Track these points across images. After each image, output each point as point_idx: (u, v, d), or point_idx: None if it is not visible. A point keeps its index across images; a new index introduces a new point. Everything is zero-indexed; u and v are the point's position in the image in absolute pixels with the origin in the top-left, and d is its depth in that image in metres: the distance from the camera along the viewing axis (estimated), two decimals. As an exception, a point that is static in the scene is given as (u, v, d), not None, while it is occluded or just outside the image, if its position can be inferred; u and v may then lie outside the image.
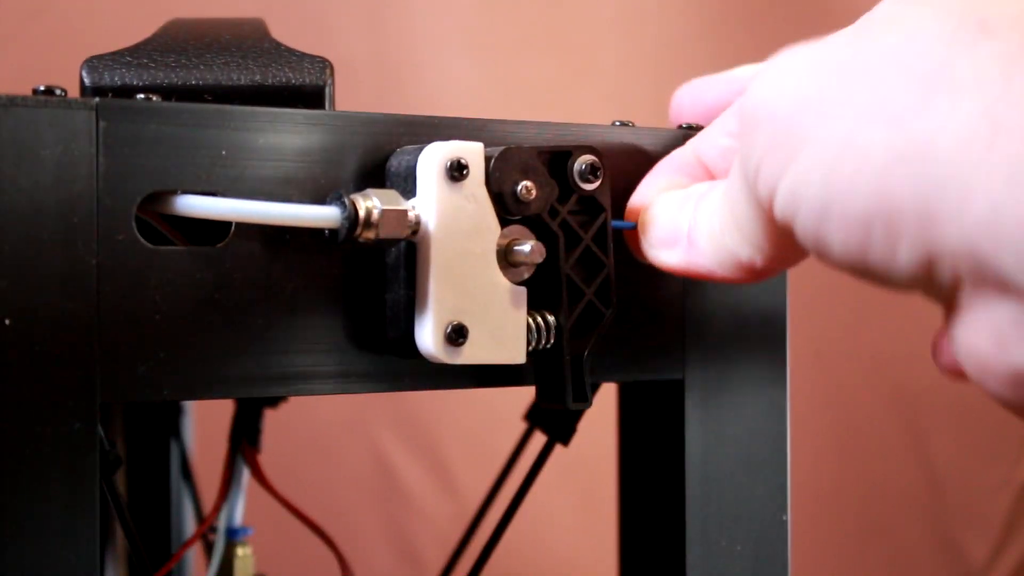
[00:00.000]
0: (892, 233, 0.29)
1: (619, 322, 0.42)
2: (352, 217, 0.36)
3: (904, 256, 0.30)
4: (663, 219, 0.39)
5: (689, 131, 0.43)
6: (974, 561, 1.19)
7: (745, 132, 0.33)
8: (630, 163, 0.42)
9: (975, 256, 0.28)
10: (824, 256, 0.32)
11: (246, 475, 0.53)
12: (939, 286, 0.30)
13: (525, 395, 0.44)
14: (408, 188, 0.38)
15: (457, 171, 0.37)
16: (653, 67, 1.09)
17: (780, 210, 0.32)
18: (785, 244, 0.35)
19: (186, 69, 0.40)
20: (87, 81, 0.40)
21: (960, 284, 0.29)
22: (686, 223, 0.38)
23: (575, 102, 1.07)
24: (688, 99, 0.45)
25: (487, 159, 0.38)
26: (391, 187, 0.38)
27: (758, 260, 0.36)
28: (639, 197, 0.41)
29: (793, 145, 0.31)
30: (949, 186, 0.28)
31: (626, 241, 0.41)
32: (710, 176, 0.41)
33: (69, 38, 0.92)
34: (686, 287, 0.44)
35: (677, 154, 0.42)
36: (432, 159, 0.37)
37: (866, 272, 0.31)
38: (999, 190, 0.27)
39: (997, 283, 0.28)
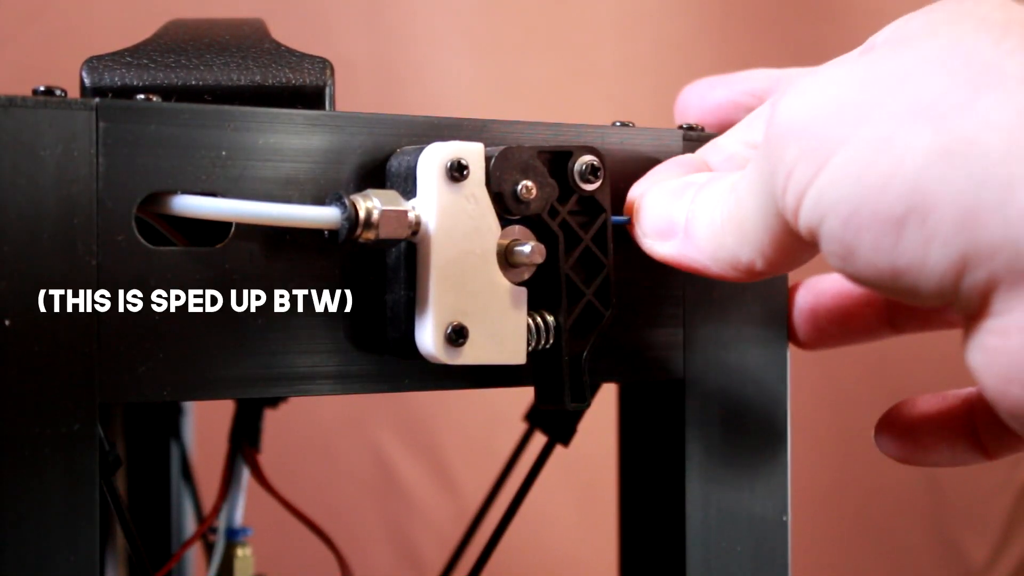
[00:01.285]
0: (927, 232, 0.29)
1: (619, 322, 0.42)
2: (352, 218, 0.36)
3: (936, 257, 0.29)
4: (658, 208, 0.39)
5: (690, 131, 0.43)
6: (974, 561, 1.19)
7: (774, 147, 0.33)
8: (630, 163, 0.42)
9: (1018, 248, 0.28)
10: (849, 264, 0.31)
11: (246, 475, 0.53)
12: (968, 292, 0.30)
13: (525, 395, 0.44)
14: (408, 188, 0.38)
15: (457, 171, 0.37)
16: (653, 67, 1.09)
17: (806, 218, 0.32)
18: (790, 251, 0.35)
19: (186, 69, 0.40)
20: (87, 81, 0.40)
21: (995, 286, 0.29)
22: (683, 214, 0.38)
23: (575, 102, 1.07)
24: (695, 99, 0.45)
25: (487, 159, 0.38)
26: (391, 187, 0.38)
27: (758, 263, 0.36)
28: (637, 188, 0.41)
29: (826, 151, 0.31)
30: (992, 181, 0.28)
31: (628, 230, 0.41)
32: None
33: (69, 38, 0.92)
34: (687, 289, 0.44)
35: (684, 157, 0.42)
36: (432, 159, 0.37)
37: (894, 279, 0.31)
38: None
39: None
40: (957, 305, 0.31)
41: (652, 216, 0.39)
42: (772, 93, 0.44)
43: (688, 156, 0.42)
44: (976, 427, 0.41)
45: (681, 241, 0.38)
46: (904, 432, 0.43)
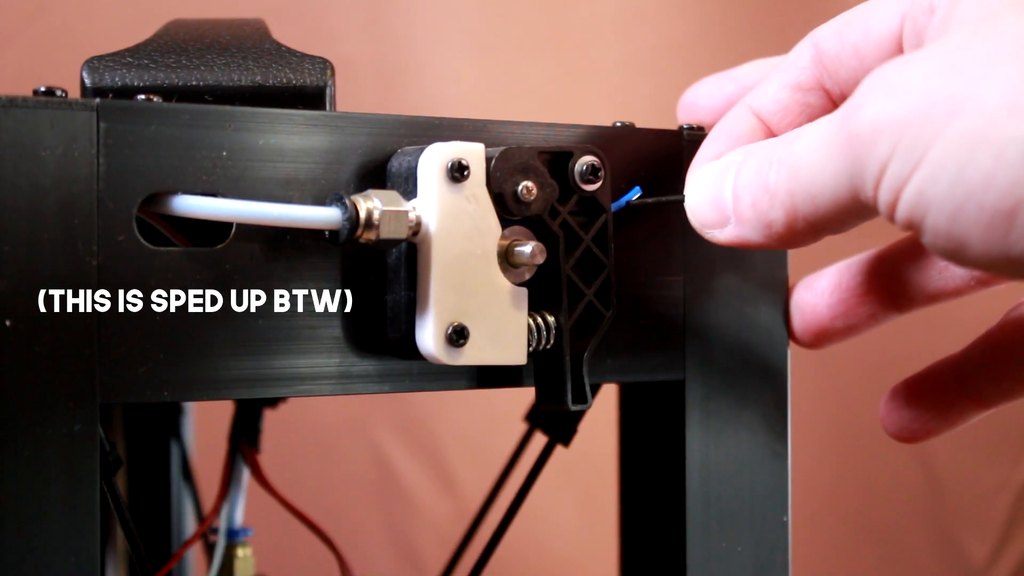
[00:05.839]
0: None
1: (619, 323, 0.42)
2: (353, 218, 0.36)
3: None
4: (705, 199, 0.39)
5: (691, 131, 0.43)
6: (974, 561, 1.19)
7: (861, 142, 0.33)
8: (631, 164, 0.42)
9: None
10: (959, 255, 0.32)
11: (246, 475, 0.53)
12: None
13: (525, 396, 0.44)
14: (409, 189, 0.38)
15: (458, 172, 0.37)
16: (653, 67, 1.09)
17: (905, 213, 0.32)
18: (851, 222, 0.35)
19: (187, 70, 0.40)
20: (88, 82, 0.40)
21: None
22: (728, 196, 0.38)
23: (575, 102, 1.07)
24: (703, 98, 0.45)
25: (488, 160, 0.38)
26: (392, 188, 0.38)
27: (815, 227, 0.36)
28: (689, 173, 0.41)
29: (921, 147, 0.31)
30: None
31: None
32: (767, 135, 0.40)
33: (69, 38, 0.92)
34: (687, 289, 0.44)
35: (730, 118, 0.41)
36: (433, 160, 0.37)
37: (1009, 266, 0.31)
38: None
39: None
40: None
41: (702, 207, 0.39)
42: None
43: (733, 117, 0.41)
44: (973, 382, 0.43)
45: (734, 225, 0.38)
46: (907, 401, 0.44)
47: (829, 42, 0.39)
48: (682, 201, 0.40)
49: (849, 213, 0.34)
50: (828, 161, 0.34)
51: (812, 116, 0.40)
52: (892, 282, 0.45)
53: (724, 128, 0.41)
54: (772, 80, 0.41)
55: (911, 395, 0.45)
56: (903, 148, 0.31)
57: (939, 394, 0.44)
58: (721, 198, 0.38)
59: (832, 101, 0.40)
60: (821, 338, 0.45)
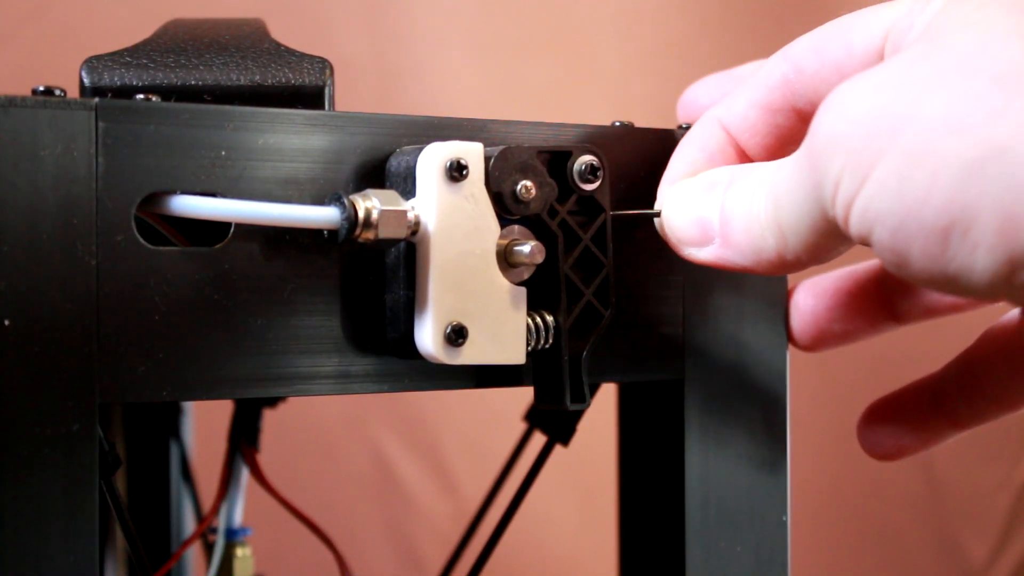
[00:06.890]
0: (970, 242, 0.30)
1: (619, 322, 0.42)
2: (351, 218, 0.36)
3: (983, 263, 0.30)
4: (687, 215, 0.39)
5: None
6: (974, 561, 1.19)
7: (819, 157, 0.33)
8: (630, 163, 0.42)
9: None
10: (904, 270, 0.32)
11: (245, 475, 0.53)
12: (1021, 289, 0.30)
13: (525, 395, 0.44)
14: (408, 188, 0.38)
15: (457, 171, 0.37)
16: (653, 67, 1.09)
17: (856, 228, 0.32)
18: (835, 247, 0.35)
19: (186, 69, 0.40)
20: (86, 81, 0.40)
21: None
22: (715, 218, 0.38)
23: (575, 102, 1.07)
24: (704, 96, 0.45)
25: (487, 159, 0.38)
26: (391, 187, 0.38)
27: (803, 258, 0.36)
28: (662, 189, 0.41)
29: (867, 163, 0.31)
30: None
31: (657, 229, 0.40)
32: (738, 151, 0.40)
33: (69, 38, 0.92)
34: (686, 289, 0.44)
35: (701, 131, 0.41)
36: (432, 159, 0.37)
37: (947, 282, 0.31)
38: None
39: None
40: (1012, 300, 0.31)
41: (683, 224, 0.39)
42: None
43: (702, 131, 0.41)
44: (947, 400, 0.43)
45: (719, 246, 0.38)
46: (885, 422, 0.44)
47: (806, 59, 0.39)
48: (656, 215, 0.40)
49: (828, 236, 0.34)
50: (799, 186, 0.34)
51: (781, 136, 0.40)
52: (890, 294, 0.45)
53: (696, 143, 0.41)
54: (741, 96, 0.41)
55: (888, 414, 0.45)
56: (851, 165, 0.32)
57: (915, 414, 0.44)
58: (705, 218, 0.38)
59: (803, 121, 0.40)
60: (819, 341, 0.45)
